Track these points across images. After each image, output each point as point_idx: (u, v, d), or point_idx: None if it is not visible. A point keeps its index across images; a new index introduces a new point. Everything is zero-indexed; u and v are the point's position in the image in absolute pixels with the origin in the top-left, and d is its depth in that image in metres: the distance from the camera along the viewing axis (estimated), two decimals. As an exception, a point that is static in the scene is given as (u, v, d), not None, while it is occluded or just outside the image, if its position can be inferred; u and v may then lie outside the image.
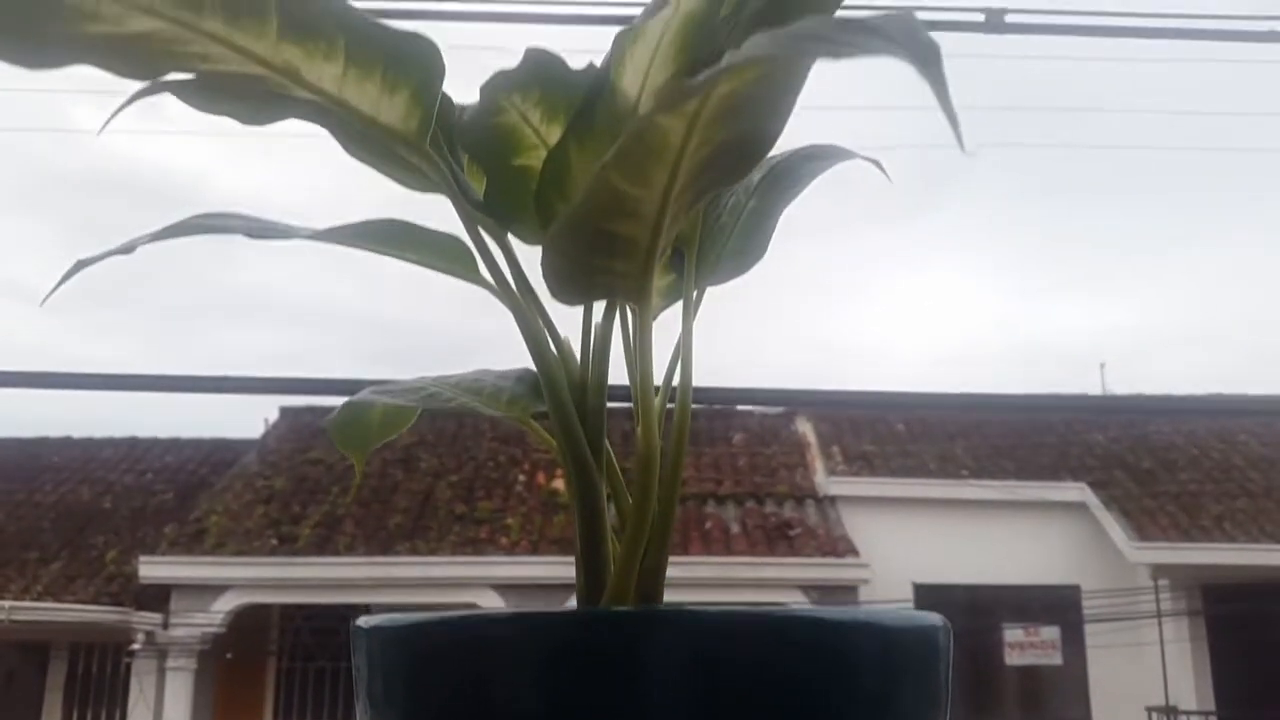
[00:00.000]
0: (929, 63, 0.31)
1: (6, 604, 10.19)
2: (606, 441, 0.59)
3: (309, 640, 11.12)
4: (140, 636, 10.17)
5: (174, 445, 14.36)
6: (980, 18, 2.92)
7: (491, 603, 9.83)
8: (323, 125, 0.52)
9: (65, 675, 11.44)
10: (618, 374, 0.60)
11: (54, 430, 14.72)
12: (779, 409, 13.81)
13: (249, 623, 10.60)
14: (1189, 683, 10.74)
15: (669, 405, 0.60)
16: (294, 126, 0.52)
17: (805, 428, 12.77)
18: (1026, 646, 11.22)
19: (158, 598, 10.33)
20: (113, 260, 0.59)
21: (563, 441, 0.58)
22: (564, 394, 0.56)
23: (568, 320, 0.60)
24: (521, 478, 11.53)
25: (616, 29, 0.50)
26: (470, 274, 0.60)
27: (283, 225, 0.58)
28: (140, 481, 13.34)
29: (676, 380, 0.61)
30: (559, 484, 11.11)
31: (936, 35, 0.35)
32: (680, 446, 0.59)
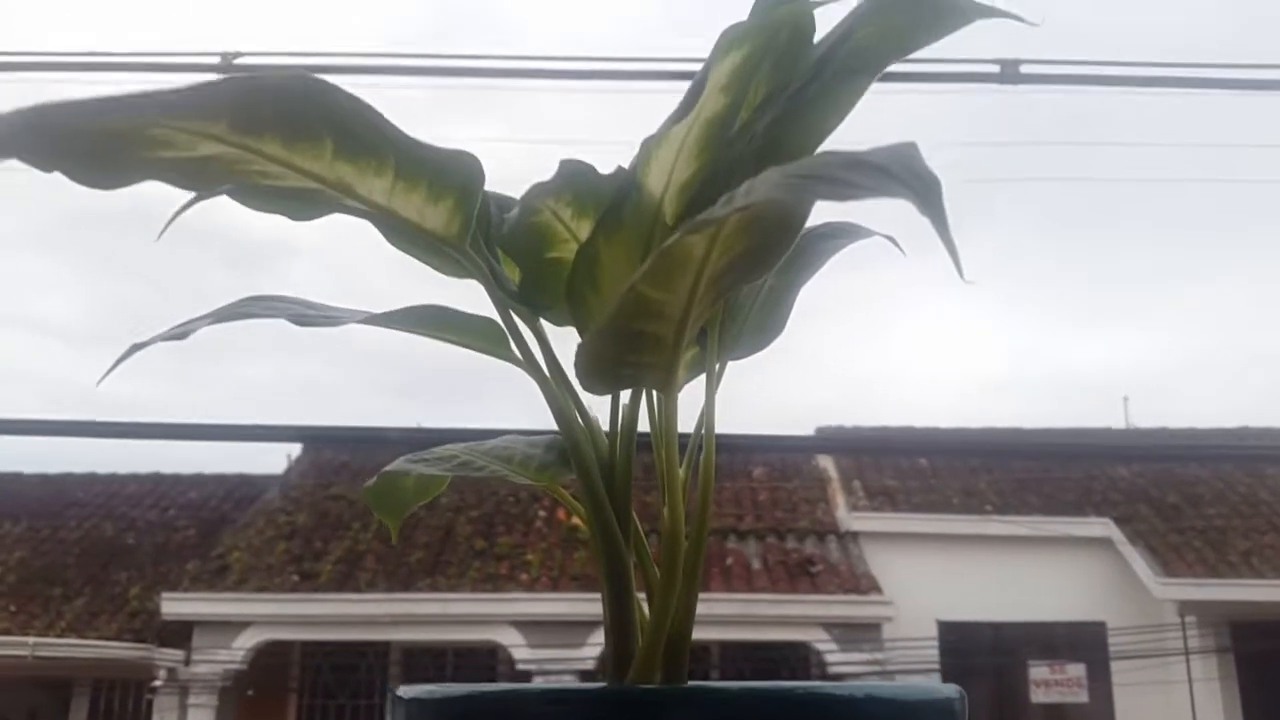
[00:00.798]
0: (930, 202, 0.34)
1: (30, 640, 10.24)
2: (634, 515, 0.61)
3: (329, 677, 11.12)
4: (162, 673, 10.20)
5: (197, 481, 14.44)
6: (995, 69, 2.95)
7: (512, 639, 9.81)
8: (369, 221, 0.55)
9: (88, 712, 11.46)
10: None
11: (79, 466, 14.84)
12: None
13: (270, 659, 10.61)
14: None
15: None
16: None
17: (826, 462, 12.73)
18: (1052, 684, 11.09)
19: (180, 634, 10.36)
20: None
21: (591, 514, 0.60)
22: (593, 471, 0.59)
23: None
24: (541, 513, 11.53)
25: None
26: (503, 353, 0.63)
27: (329, 311, 0.61)
28: (164, 517, 13.41)
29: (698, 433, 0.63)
30: (579, 520, 11.09)
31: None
32: (704, 517, 0.62)
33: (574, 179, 0.54)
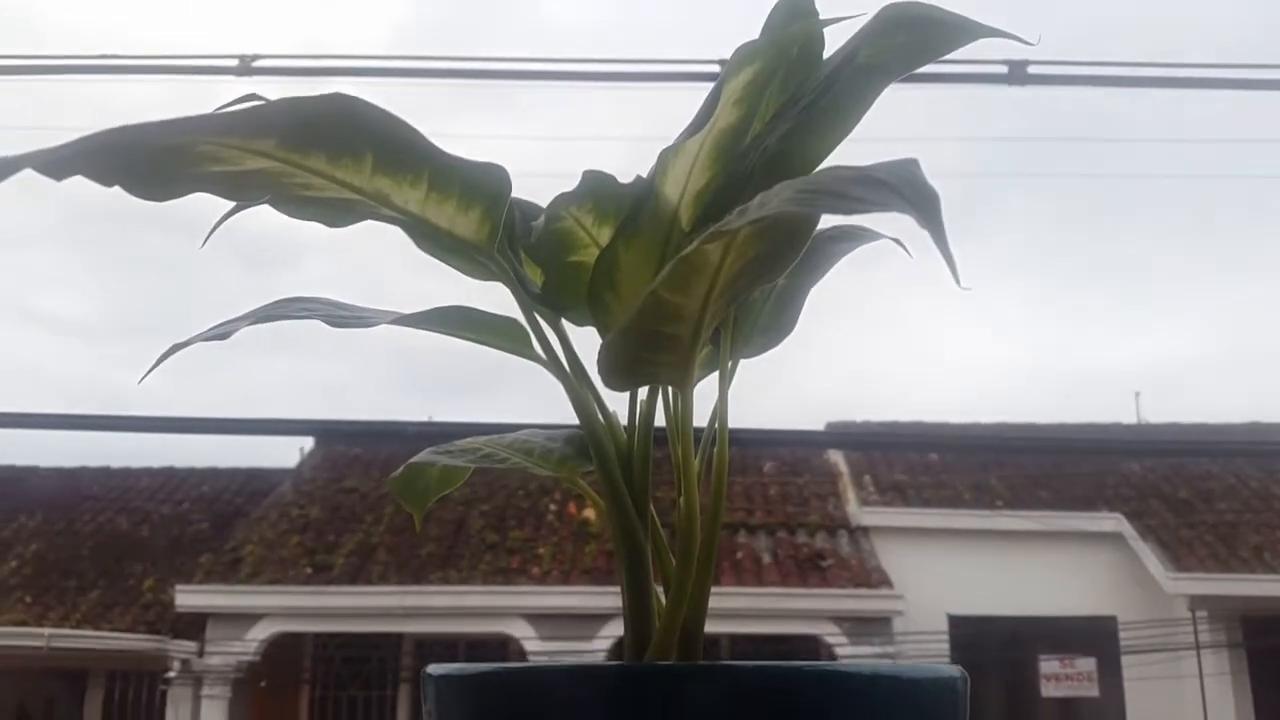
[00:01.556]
0: (929, 215, 0.37)
1: (46, 632, 10.33)
2: (651, 507, 0.65)
3: (342, 669, 11.19)
4: (176, 664, 10.28)
5: (210, 475, 14.53)
6: (1003, 70, 2.97)
7: (523, 632, 9.86)
8: (400, 228, 0.59)
9: (103, 702, 11.56)
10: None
11: (93, 460, 14.95)
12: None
13: (283, 651, 10.69)
14: (1229, 716, 10.58)
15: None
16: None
17: (837, 457, 12.75)
18: (1063, 678, 11.10)
19: (194, 626, 10.44)
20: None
21: (610, 506, 0.64)
22: (612, 464, 0.62)
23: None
24: (553, 507, 11.58)
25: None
26: (526, 352, 0.66)
27: (360, 312, 0.64)
28: (177, 511, 13.50)
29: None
30: (590, 514, 11.15)
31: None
32: (717, 508, 0.65)
33: (595, 188, 0.57)
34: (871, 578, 10.24)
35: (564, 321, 0.63)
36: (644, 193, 0.57)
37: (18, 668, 11.35)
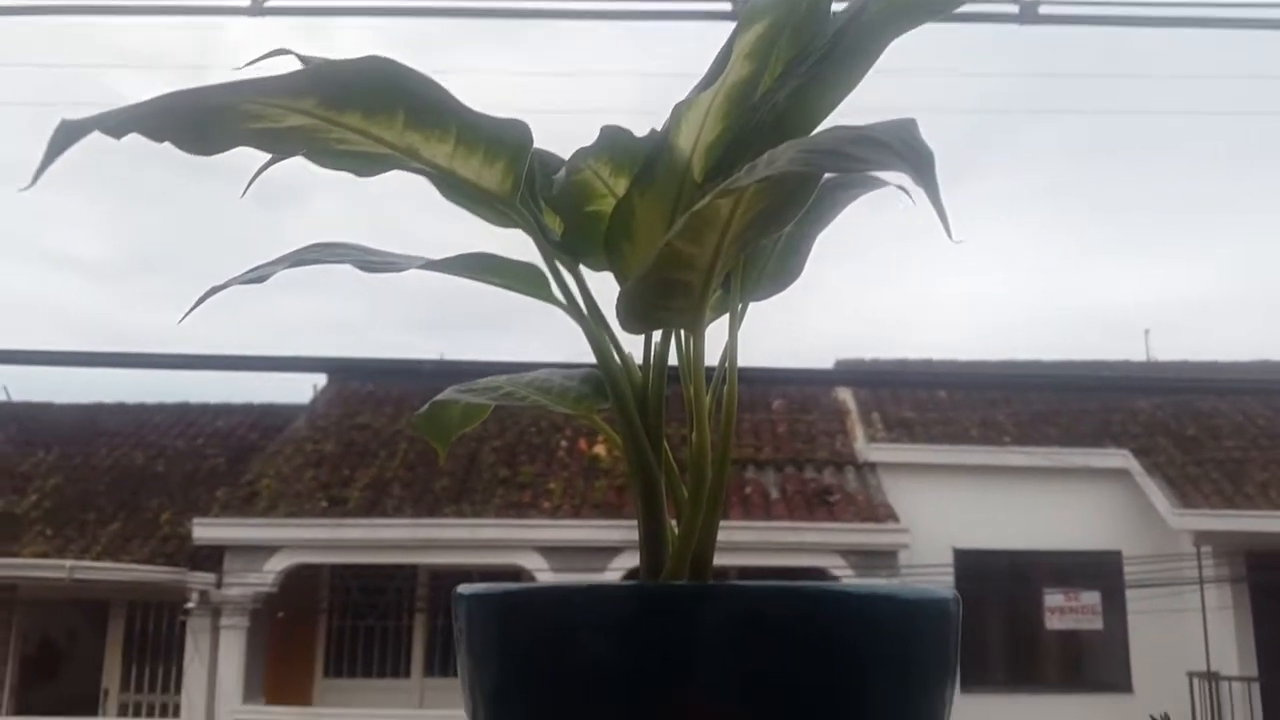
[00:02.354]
0: (924, 172, 0.41)
1: (68, 564, 10.52)
2: (665, 442, 0.69)
3: (359, 599, 11.41)
4: (195, 595, 10.47)
5: (224, 410, 14.67)
6: (1014, 9, 2.94)
7: (535, 564, 10.02)
8: (427, 179, 0.62)
9: (124, 632, 11.81)
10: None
11: (108, 396, 15.11)
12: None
13: (300, 583, 10.88)
14: (1231, 648, 10.73)
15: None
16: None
17: (845, 394, 12.81)
18: (1067, 611, 11.26)
19: (211, 558, 10.62)
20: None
21: (627, 440, 0.68)
22: (628, 402, 0.66)
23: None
24: (563, 443, 11.69)
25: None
26: (546, 295, 0.70)
27: (392, 256, 0.68)
28: (192, 446, 13.66)
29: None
30: (600, 450, 11.25)
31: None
32: (726, 444, 0.69)
33: (612, 141, 0.60)
34: (878, 512, 10.35)
35: (582, 267, 0.67)
36: (658, 145, 0.61)
37: (41, 598, 11.59)
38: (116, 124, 0.46)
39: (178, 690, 10.86)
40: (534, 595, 0.63)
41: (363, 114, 0.52)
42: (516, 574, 10.42)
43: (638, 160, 0.61)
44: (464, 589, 0.65)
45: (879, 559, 9.94)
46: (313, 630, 11.53)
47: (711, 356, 0.72)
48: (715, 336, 0.71)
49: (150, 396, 15.15)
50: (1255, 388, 12.27)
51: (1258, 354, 15.03)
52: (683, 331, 0.65)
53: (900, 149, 0.42)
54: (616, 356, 0.68)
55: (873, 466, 11.40)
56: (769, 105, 0.59)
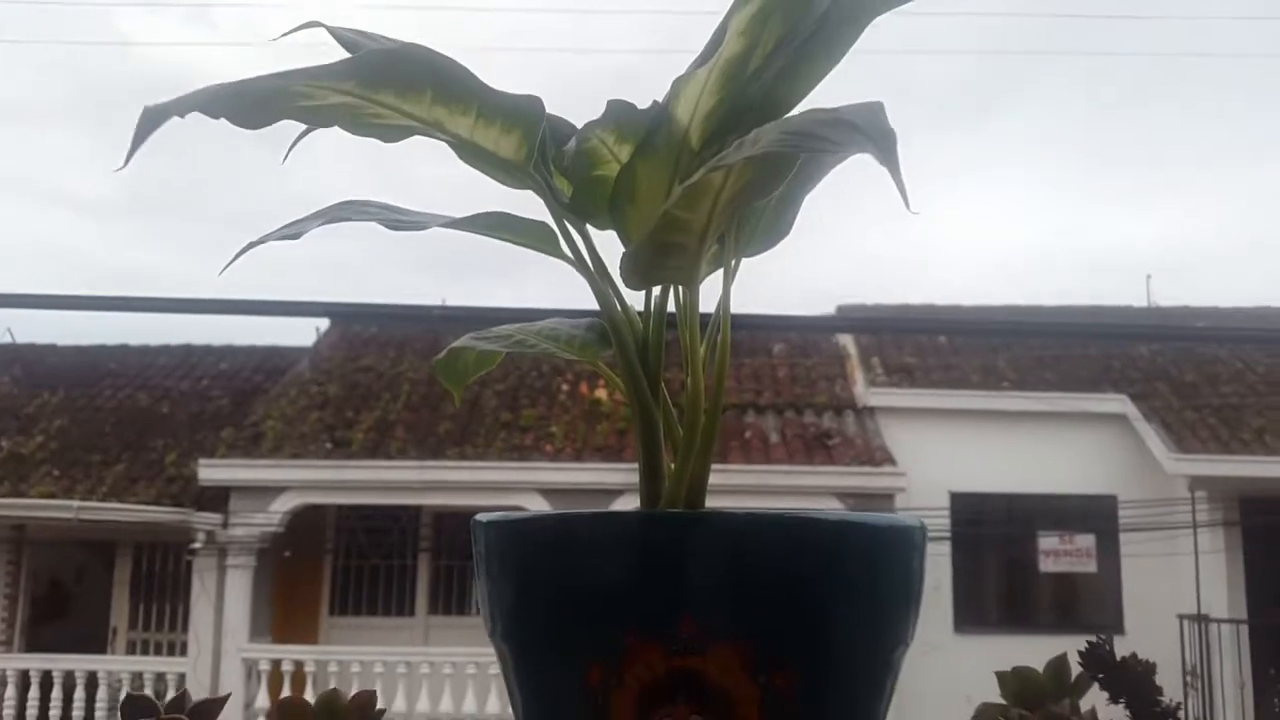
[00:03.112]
0: (887, 152, 0.47)
1: (75, 504, 10.66)
2: (663, 385, 0.76)
3: (364, 539, 11.58)
4: (201, 536, 10.61)
5: (228, 352, 14.75)
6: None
7: (537, 505, 10.15)
8: (449, 145, 0.68)
9: (131, 571, 11.99)
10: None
11: (110, 338, 15.17)
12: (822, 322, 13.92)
13: (306, 523, 11.04)
14: (1222, 591, 10.90)
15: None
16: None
17: (846, 339, 12.88)
18: (1061, 554, 11.42)
19: (217, 499, 10.75)
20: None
21: (628, 384, 0.75)
22: (630, 350, 0.73)
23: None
24: (565, 387, 11.78)
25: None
26: (556, 251, 0.77)
27: (416, 215, 0.74)
28: (196, 388, 13.75)
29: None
30: (602, 394, 11.35)
31: None
32: (720, 387, 0.76)
33: (617, 113, 0.66)
34: (876, 456, 10.47)
35: (588, 227, 0.73)
36: (659, 116, 0.67)
37: (48, 538, 11.77)
38: (187, 107, 0.52)
39: (185, 628, 11.06)
40: (544, 522, 0.71)
41: (395, 93, 0.58)
42: (519, 515, 10.55)
43: (640, 130, 0.67)
44: (481, 517, 0.72)
45: (876, 502, 10.07)
46: (318, 569, 11.72)
47: (711, 305, 0.78)
48: (715, 288, 0.77)
49: (153, 338, 15.23)
50: (1253, 336, 12.33)
51: (1259, 300, 15.09)
52: (680, 286, 0.72)
53: (867, 130, 0.48)
54: (620, 308, 0.74)
55: (872, 411, 11.50)
56: (760, 81, 0.65)
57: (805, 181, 0.78)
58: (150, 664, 10.66)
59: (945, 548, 10.96)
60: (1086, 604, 11.70)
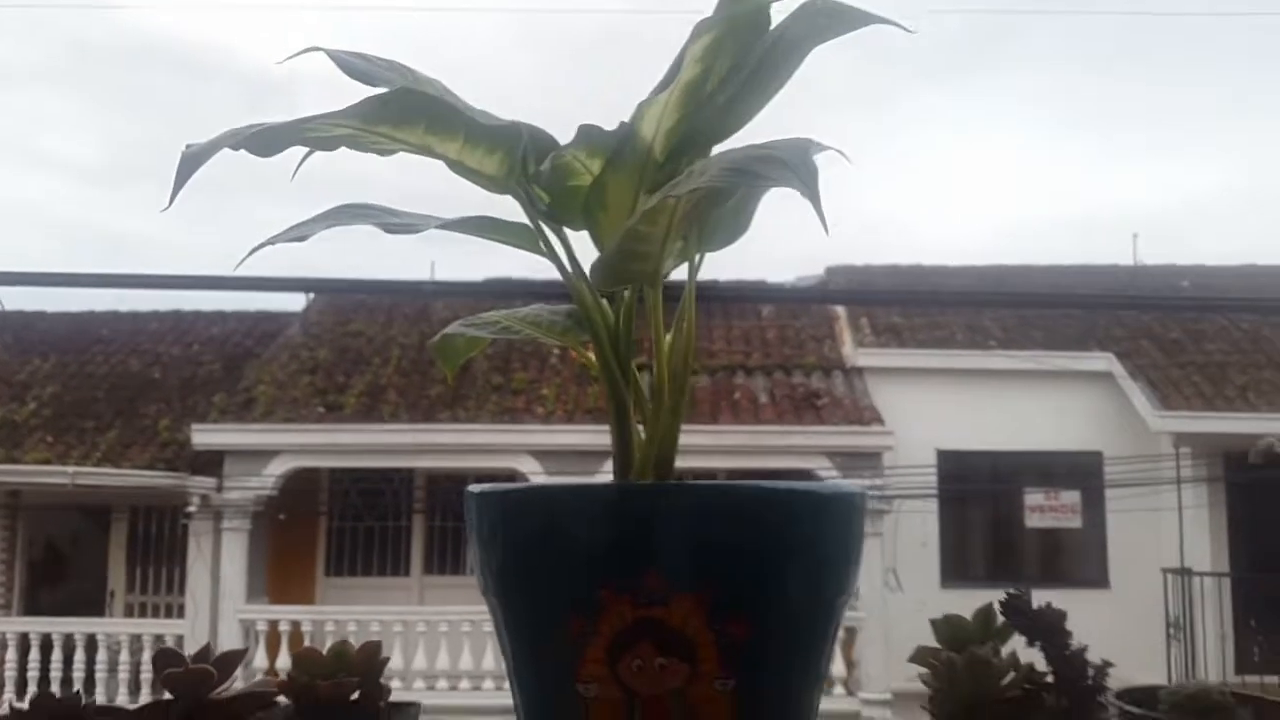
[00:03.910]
0: (809, 185, 0.56)
1: (70, 470, 10.74)
2: (634, 366, 0.85)
3: (358, 501, 11.71)
4: (196, 499, 10.71)
5: (218, 318, 14.78)
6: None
7: (529, 467, 10.28)
8: (441, 162, 0.77)
9: (127, 535, 12.10)
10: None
11: (100, 304, 15.18)
12: (810, 281, 14.01)
13: (299, 486, 11.15)
14: (1205, 546, 11.09)
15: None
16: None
17: (834, 300, 12.97)
18: (1047, 510, 11.59)
19: (211, 463, 10.84)
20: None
21: (601, 367, 0.84)
22: (602, 337, 0.82)
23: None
24: (556, 351, 11.87)
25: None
26: (536, 250, 0.85)
27: (412, 217, 0.83)
28: (187, 353, 13.80)
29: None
30: (593, 356, 11.42)
31: None
32: (685, 370, 0.85)
33: (588, 134, 0.75)
34: (864, 415, 10.61)
35: (565, 230, 0.82)
36: (626, 134, 0.76)
37: (44, 504, 11.87)
38: (219, 147, 0.61)
39: (182, 591, 11.19)
40: (529, 493, 0.80)
41: (392, 125, 0.67)
42: (511, 477, 10.69)
43: (609, 146, 0.75)
44: (472, 489, 0.81)
45: (864, 460, 10.22)
46: (313, 531, 11.85)
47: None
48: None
49: (143, 304, 15.23)
50: (1238, 306, 12.43)
51: (1246, 258, 15.20)
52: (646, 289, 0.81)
53: (794, 167, 0.57)
54: (592, 301, 0.83)
55: (860, 371, 11.62)
56: (714, 103, 0.74)
57: (759, 190, 0.87)
58: (149, 626, 10.79)
59: (932, 505, 11.13)
60: (1071, 558, 11.91)
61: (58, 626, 10.24)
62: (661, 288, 0.78)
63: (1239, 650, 10.76)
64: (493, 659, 9.50)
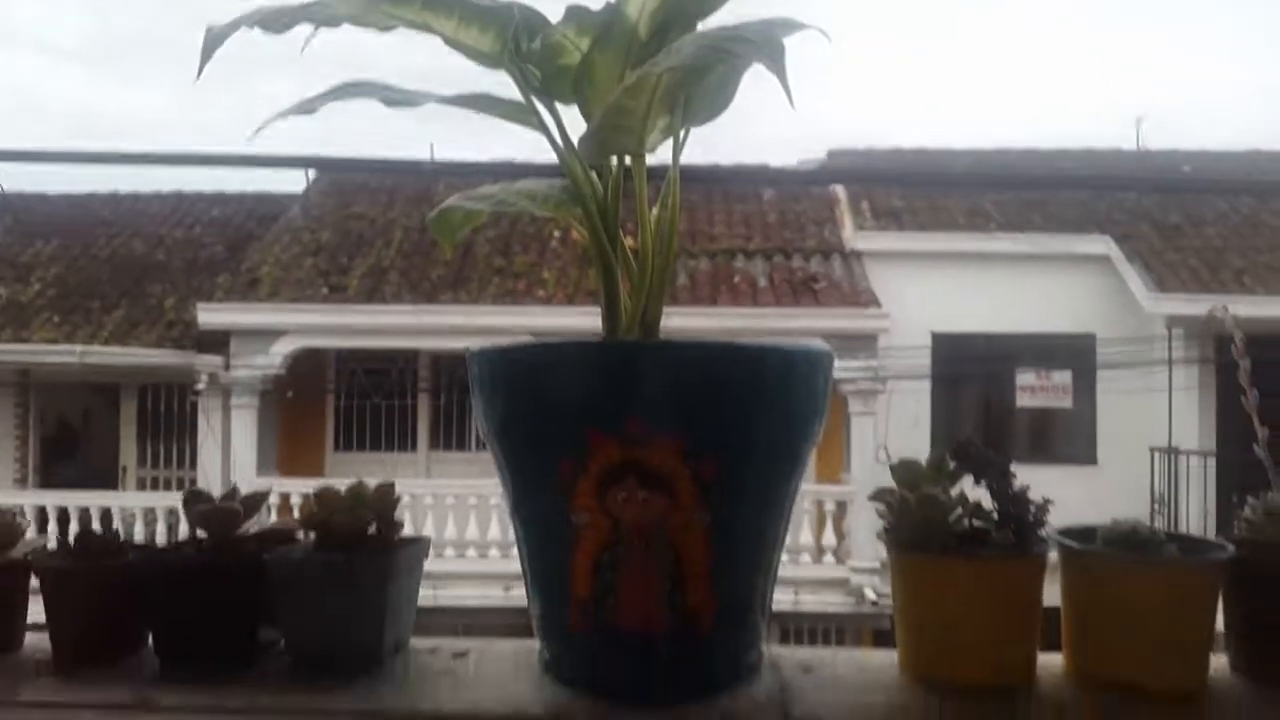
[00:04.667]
0: (777, 61, 0.63)
1: (78, 349, 10.84)
2: (621, 234, 0.92)
3: (364, 380, 11.85)
4: (204, 377, 10.83)
5: (219, 199, 14.72)
6: None
7: (531, 349, 10.35)
8: (438, 38, 0.83)
9: (136, 413, 12.29)
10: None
11: (101, 186, 15.11)
12: (811, 166, 13.91)
13: (306, 365, 11.28)
14: (1193, 426, 11.25)
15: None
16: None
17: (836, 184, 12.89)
18: (1038, 390, 11.73)
19: (217, 343, 10.94)
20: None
21: (591, 237, 0.91)
22: (592, 208, 0.89)
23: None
24: (556, 234, 11.86)
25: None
26: (531, 123, 0.92)
27: (412, 93, 0.89)
28: (189, 235, 13.79)
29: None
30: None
31: None
32: (671, 240, 0.92)
33: (577, 14, 0.81)
34: (860, 298, 10.67)
35: (557, 105, 0.88)
36: (612, 14, 0.81)
37: (54, 382, 12.02)
38: (238, 27, 0.67)
39: (193, 466, 11.42)
40: (525, 350, 0.89)
41: (390, 3, 0.73)
42: (513, 358, 10.79)
43: (597, 26, 0.81)
44: (474, 348, 0.90)
45: (860, 343, 10.32)
46: (321, 409, 12.03)
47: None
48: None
49: (143, 185, 15.16)
50: (1236, 188, 12.35)
51: (1250, 144, 15.04)
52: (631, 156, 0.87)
53: (762, 45, 0.63)
54: (582, 174, 0.90)
55: (859, 255, 11.63)
56: (693, -15, 0.79)
57: (738, 67, 0.93)
58: (161, 499, 11.04)
59: (925, 386, 11.27)
60: (1061, 437, 12.09)
61: (73, 500, 10.48)
62: (645, 159, 0.84)
63: (1220, 524, 11.03)
64: (497, 529, 9.77)
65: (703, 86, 0.92)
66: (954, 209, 12.39)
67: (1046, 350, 11.77)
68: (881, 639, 9.82)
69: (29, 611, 1.01)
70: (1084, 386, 11.63)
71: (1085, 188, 11.67)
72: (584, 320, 10.22)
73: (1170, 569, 0.87)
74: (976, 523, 0.91)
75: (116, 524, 10.33)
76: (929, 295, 11.28)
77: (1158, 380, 11.09)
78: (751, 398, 0.84)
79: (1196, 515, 10.59)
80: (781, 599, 9.41)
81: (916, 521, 0.87)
